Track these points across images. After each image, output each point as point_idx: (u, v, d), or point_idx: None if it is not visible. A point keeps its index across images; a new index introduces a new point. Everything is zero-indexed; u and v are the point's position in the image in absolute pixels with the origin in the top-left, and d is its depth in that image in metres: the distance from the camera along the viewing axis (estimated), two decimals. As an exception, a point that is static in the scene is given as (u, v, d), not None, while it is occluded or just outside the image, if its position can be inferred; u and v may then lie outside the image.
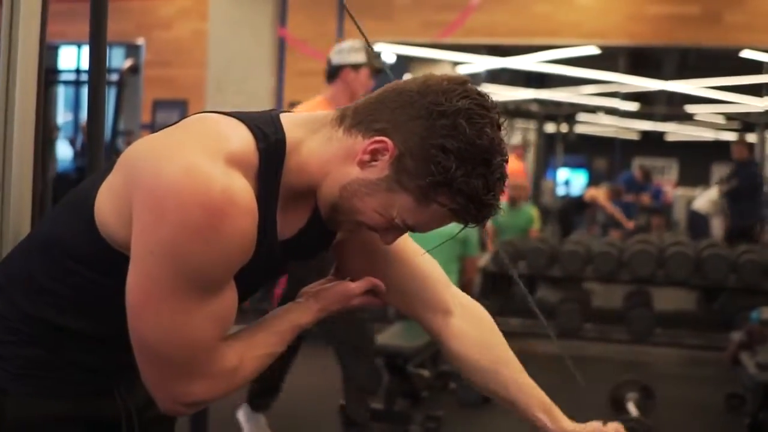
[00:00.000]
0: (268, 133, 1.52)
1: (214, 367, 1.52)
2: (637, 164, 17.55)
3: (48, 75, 3.36)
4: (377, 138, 1.49)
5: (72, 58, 13.10)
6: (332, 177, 1.53)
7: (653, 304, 7.99)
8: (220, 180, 1.41)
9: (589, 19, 8.14)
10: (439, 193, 1.48)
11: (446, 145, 1.45)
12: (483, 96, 1.51)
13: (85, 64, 8.28)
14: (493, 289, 8.28)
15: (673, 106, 15.83)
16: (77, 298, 1.60)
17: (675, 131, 19.46)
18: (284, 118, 1.58)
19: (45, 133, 2.30)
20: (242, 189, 1.43)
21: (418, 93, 1.49)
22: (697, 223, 11.98)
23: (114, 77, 7.34)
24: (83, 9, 2.06)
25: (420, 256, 1.83)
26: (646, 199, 14.23)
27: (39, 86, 1.98)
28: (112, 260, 1.53)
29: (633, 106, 14.98)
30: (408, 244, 1.81)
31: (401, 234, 1.61)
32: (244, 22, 4.89)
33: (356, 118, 1.54)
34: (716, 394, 6.15)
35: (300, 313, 1.67)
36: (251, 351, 1.58)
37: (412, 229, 1.57)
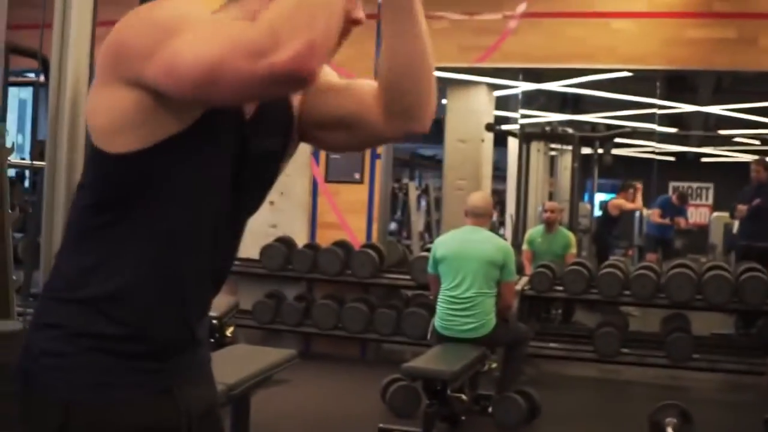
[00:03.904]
0: None
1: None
2: (673, 187, 17.45)
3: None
4: None
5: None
6: None
7: (691, 328, 7.96)
8: None
9: (624, 43, 8.14)
10: None
11: None
12: None
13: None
14: (531, 313, 8.31)
15: (709, 129, 15.76)
16: (116, 248, 1.67)
17: (711, 153, 19.35)
18: None
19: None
20: None
21: None
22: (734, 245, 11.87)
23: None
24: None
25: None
26: (682, 222, 14.15)
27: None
28: (120, 176, 1.64)
29: (669, 129, 14.92)
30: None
31: None
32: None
33: None
34: (754, 418, 6.10)
35: None
36: None
37: None
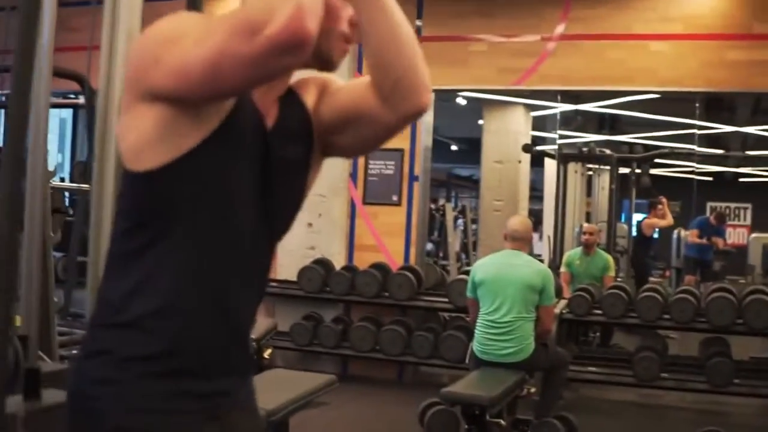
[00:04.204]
0: None
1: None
2: (711, 207, 17.32)
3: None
4: None
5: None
6: None
7: (732, 352, 7.89)
8: None
9: (663, 65, 8.11)
10: None
11: None
12: None
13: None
14: (569, 336, 8.26)
15: (748, 150, 15.66)
16: (155, 267, 1.70)
17: (749, 173, 19.20)
18: None
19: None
20: None
21: None
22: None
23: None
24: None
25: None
26: (720, 242, 14.05)
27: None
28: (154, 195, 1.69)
29: (710, 150, 14.84)
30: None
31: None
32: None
33: None
34: (797, 445, 6.06)
35: None
36: None
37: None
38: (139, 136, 1.66)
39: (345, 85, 1.95)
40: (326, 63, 1.83)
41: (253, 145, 1.76)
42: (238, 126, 1.71)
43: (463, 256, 13.89)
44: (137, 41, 1.72)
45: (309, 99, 1.93)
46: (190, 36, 1.57)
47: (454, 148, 20.15)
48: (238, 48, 1.50)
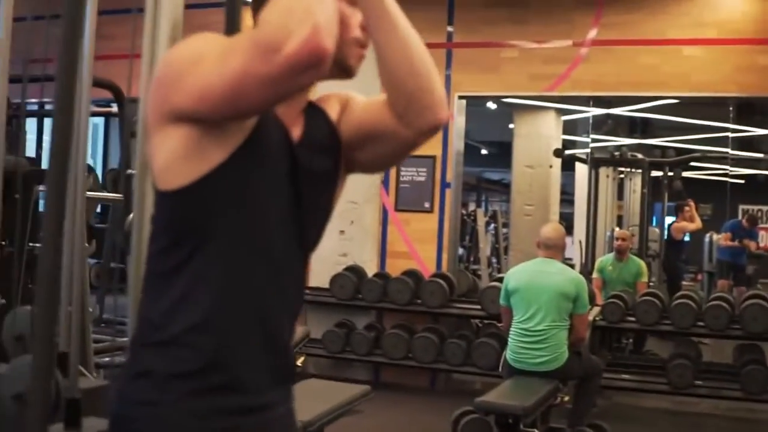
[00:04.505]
0: None
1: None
2: (743, 210, 17.21)
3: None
4: None
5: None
6: None
7: (766, 359, 7.83)
8: None
9: (696, 70, 8.06)
10: None
11: None
12: None
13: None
14: (602, 343, 8.23)
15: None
16: (188, 290, 1.72)
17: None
18: None
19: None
20: None
21: None
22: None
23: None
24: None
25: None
26: (752, 245, 13.95)
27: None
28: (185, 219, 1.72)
29: (744, 153, 14.73)
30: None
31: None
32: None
33: None
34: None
35: None
36: None
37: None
38: (167, 156, 1.68)
39: (364, 101, 1.98)
40: (344, 70, 1.86)
41: (280, 158, 1.78)
42: (264, 140, 1.73)
43: (494, 260, 13.88)
44: (160, 64, 1.74)
45: (333, 113, 1.95)
46: (210, 57, 1.59)
47: (484, 151, 20.13)
48: (257, 68, 1.52)
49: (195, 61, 1.61)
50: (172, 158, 1.68)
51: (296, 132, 1.84)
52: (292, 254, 1.85)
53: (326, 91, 2.01)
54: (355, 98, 1.99)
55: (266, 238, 1.77)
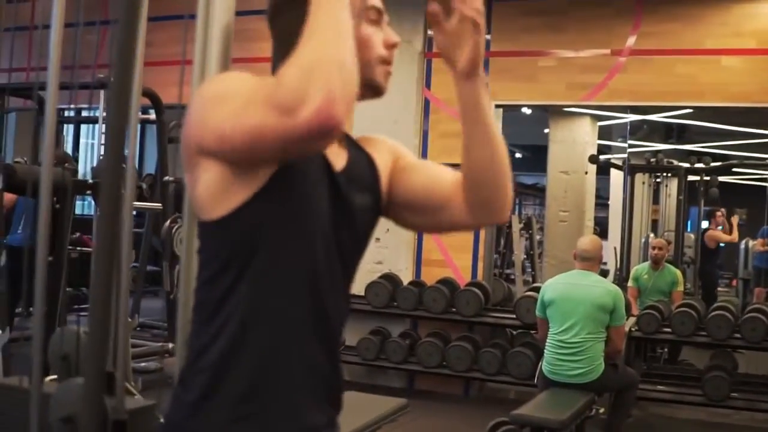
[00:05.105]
0: None
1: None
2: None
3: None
4: None
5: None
6: None
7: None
8: None
9: (734, 80, 8.01)
10: None
11: None
12: None
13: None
14: (637, 353, 8.20)
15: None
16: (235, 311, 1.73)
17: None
18: None
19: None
20: None
21: None
22: None
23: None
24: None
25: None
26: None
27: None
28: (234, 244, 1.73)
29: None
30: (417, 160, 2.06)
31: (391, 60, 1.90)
32: (391, 82, 5.06)
33: None
34: None
35: None
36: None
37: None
38: (207, 187, 1.70)
39: (419, 164, 2.03)
40: (373, 89, 1.89)
41: (319, 184, 1.79)
42: (300, 167, 1.73)
43: (528, 265, 13.86)
44: (192, 100, 1.74)
45: (380, 160, 1.98)
46: (235, 101, 1.60)
47: (518, 155, 20.09)
48: (271, 127, 1.54)
49: (221, 101, 1.62)
50: (212, 189, 1.69)
51: (338, 163, 1.85)
52: (336, 277, 1.85)
53: (370, 133, 2.04)
54: (408, 155, 2.04)
55: (310, 262, 1.77)
